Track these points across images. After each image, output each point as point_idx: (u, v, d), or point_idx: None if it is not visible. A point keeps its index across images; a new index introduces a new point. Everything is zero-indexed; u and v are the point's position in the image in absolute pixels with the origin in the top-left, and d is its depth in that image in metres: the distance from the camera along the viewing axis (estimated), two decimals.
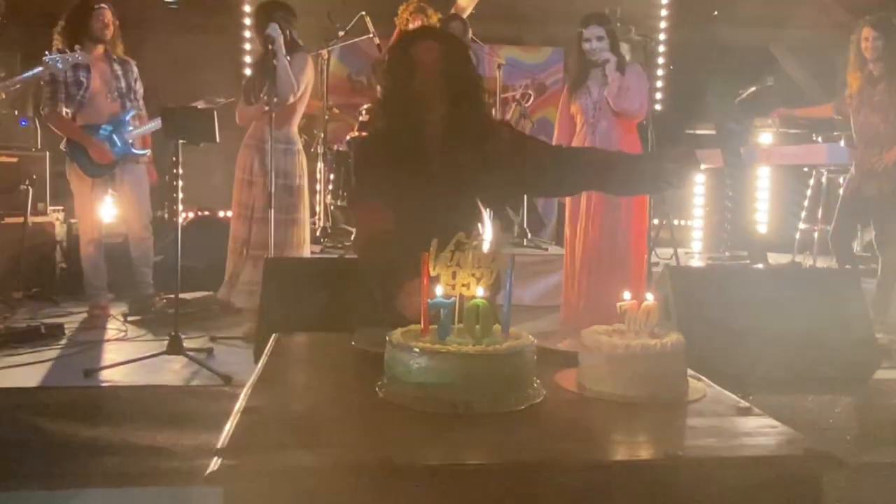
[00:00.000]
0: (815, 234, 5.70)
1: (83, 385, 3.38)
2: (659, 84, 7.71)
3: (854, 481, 1.80)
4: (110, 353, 3.95)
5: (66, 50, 4.40)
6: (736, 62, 7.42)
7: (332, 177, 5.77)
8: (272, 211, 4.10)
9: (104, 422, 2.80)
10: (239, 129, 4.45)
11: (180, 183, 4.04)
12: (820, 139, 6.08)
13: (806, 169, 6.08)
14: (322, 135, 5.84)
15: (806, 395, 3.16)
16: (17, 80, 4.45)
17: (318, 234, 5.60)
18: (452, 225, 1.76)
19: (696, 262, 6.71)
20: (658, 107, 7.37)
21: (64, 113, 4.61)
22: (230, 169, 4.47)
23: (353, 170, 2.45)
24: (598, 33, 4.16)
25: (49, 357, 3.82)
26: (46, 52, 4.27)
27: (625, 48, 4.79)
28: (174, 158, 3.83)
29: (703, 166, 7.43)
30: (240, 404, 1.32)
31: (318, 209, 5.81)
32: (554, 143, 4.48)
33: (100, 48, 4.63)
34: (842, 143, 5.76)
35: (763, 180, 7.26)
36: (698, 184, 7.55)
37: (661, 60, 7.81)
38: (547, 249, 5.65)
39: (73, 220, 5.70)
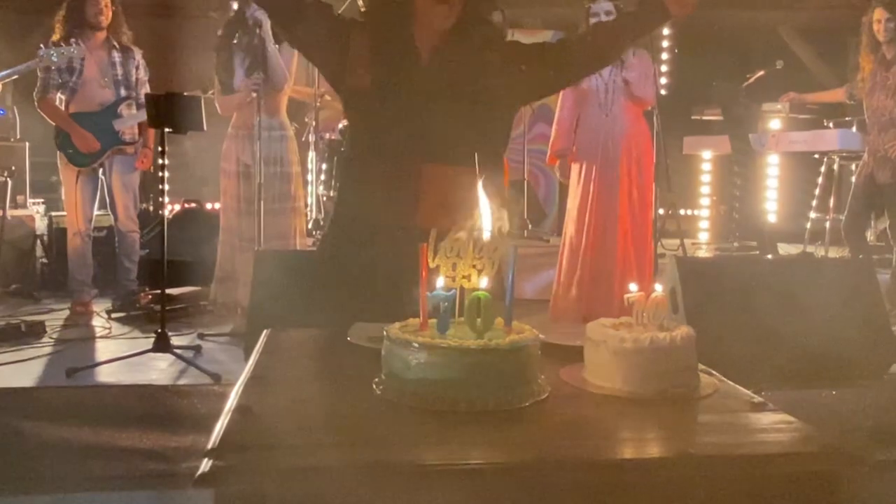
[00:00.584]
0: (827, 224, 5.71)
1: (66, 385, 3.38)
2: (664, 68, 7.70)
3: (871, 479, 1.80)
4: (94, 352, 3.95)
5: (62, 43, 4.43)
6: (743, 45, 7.41)
7: (324, 167, 5.76)
8: (261, 202, 4.09)
9: (88, 423, 2.79)
10: (226, 117, 4.44)
11: (166, 173, 4.02)
12: (831, 124, 6.09)
13: (817, 156, 6.09)
14: (313, 123, 5.83)
15: (819, 390, 3.16)
16: (10, 72, 4.45)
17: (309, 226, 5.59)
18: (442, 139, 1.75)
19: (704, 253, 6.72)
20: (663, 92, 7.36)
21: (58, 99, 4.62)
22: (219, 159, 4.46)
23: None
24: (607, 8, 4.15)
25: (30, 356, 3.82)
26: (41, 46, 4.29)
27: None
28: (159, 148, 3.82)
29: (709, 154, 7.43)
30: (230, 403, 1.31)
31: (309, 200, 5.80)
32: (554, 132, 4.47)
33: (100, 35, 4.65)
34: (854, 128, 5.77)
35: (772, 168, 7.26)
36: (705, 172, 7.55)
37: (665, 44, 7.79)
38: (548, 241, 5.65)
39: (54, 214, 5.70)
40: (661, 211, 5.07)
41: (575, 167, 4.40)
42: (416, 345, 1.31)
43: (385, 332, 1.38)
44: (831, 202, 5.78)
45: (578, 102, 4.35)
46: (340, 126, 5.69)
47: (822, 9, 7.38)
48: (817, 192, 6.05)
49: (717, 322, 3.22)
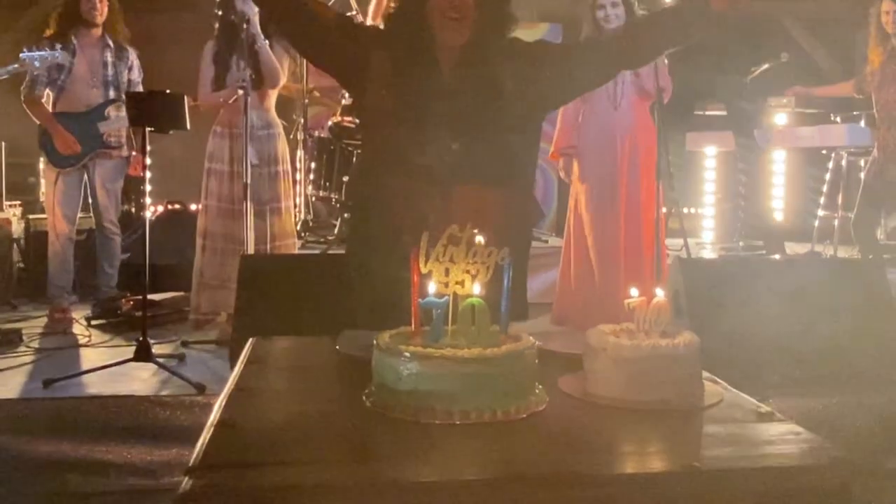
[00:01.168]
0: (836, 222, 5.72)
1: (43, 396, 3.35)
2: (665, 62, 7.69)
3: (883, 489, 1.79)
4: (73, 361, 3.92)
5: (55, 39, 4.47)
6: (748, 37, 7.41)
7: (313, 165, 5.74)
8: (248, 203, 4.08)
9: (66, 436, 2.77)
10: (212, 116, 4.42)
11: (148, 174, 4.01)
12: (839, 119, 6.09)
13: (825, 151, 6.09)
14: (302, 120, 5.81)
15: (829, 396, 3.16)
16: None
17: (298, 227, 5.58)
18: (469, 159, 1.74)
19: (709, 253, 6.71)
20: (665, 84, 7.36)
21: (46, 96, 4.62)
22: (203, 159, 4.45)
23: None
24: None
25: (6, 366, 3.80)
26: (24, 49, 4.28)
27: None
28: (141, 148, 3.80)
29: (712, 150, 7.44)
30: (213, 417, 1.30)
31: (298, 201, 5.79)
32: (558, 128, 4.46)
33: (95, 32, 4.65)
34: (862, 122, 5.77)
35: (778, 164, 7.26)
36: (709, 169, 7.55)
37: None
38: (547, 241, 5.64)
39: (31, 217, 5.68)
40: (663, 210, 5.07)
41: (578, 163, 4.39)
42: (407, 354, 1.31)
43: (375, 341, 1.37)
44: (840, 199, 5.78)
45: (584, 96, 4.34)
46: (330, 123, 5.67)
47: None
48: (825, 188, 6.05)
49: (723, 326, 3.22)
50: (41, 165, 5.72)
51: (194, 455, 1.15)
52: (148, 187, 4.15)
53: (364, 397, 1.37)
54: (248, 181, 4.08)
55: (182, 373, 3.58)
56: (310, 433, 1.27)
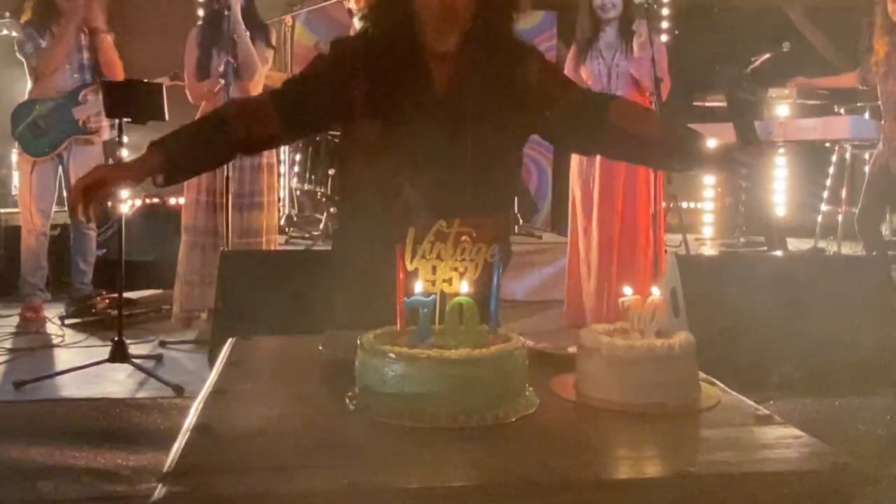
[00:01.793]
0: (839, 217, 5.74)
1: (14, 399, 3.34)
2: (664, 53, 7.71)
3: (886, 495, 1.80)
4: (45, 362, 3.90)
5: (31, 25, 4.53)
6: (748, 26, 7.43)
7: (297, 158, 5.73)
8: (230, 195, 4.07)
9: (37, 441, 2.75)
10: (192, 105, 4.41)
11: None
12: (843, 111, 6.11)
13: (828, 144, 6.11)
14: None
15: (831, 398, 3.17)
16: None
17: (282, 222, 5.56)
18: (464, 188, 1.69)
19: (708, 249, 6.73)
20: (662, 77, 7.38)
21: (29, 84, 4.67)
22: None
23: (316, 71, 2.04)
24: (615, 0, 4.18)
25: None
26: None
27: None
28: (117, 139, 3.79)
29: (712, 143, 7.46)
30: (189, 420, 1.30)
31: (282, 194, 5.77)
32: None
33: (74, 19, 4.63)
34: (867, 114, 5.79)
35: (780, 157, 7.28)
36: None
37: (665, 25, 7.80)
38: (541, 237, 5.64)
39: (2, 211, 5.64)
40: (661, 204, 5.07)
41: (576, 158, 4.40)
42: (392, 355, 1.30)
43: (359, 342, 1.37)
44: (843, 194, 5.81)
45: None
46: None
47: None
48: (828, 183, 6.07)
49: (721, 326, 3.22)
50: (14, 157, 5.69)
51: (169, 461, 1.14)
52: None
53: (348, 400, 1.36)
54: (230, 174, 4.07)
55: (159, 374, 3.57)
56: (291, 437, 1.26)
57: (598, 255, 4.30)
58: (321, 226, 5.63)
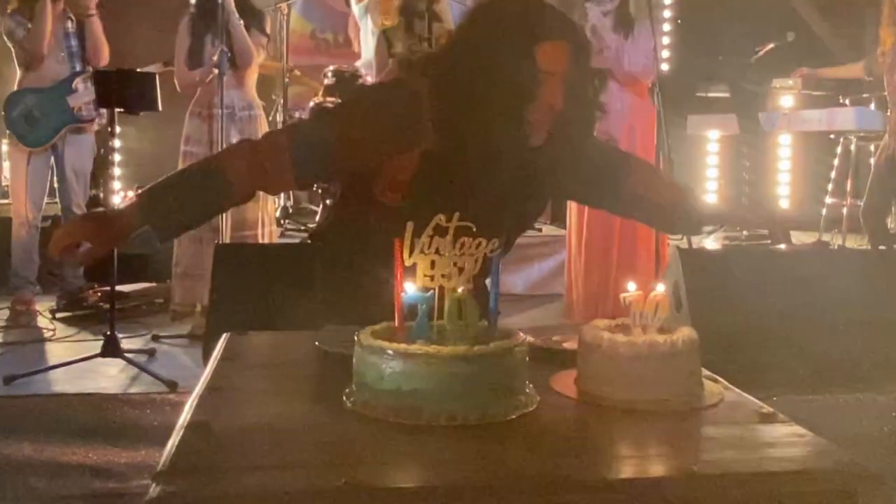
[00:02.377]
0: (844, 210, 5.74)
1: (4, 394, 3.34)
2: (665, 41, 7.69)
3: (891, 495, 1.80)
4: (36, 356, 3.91)
5: (19, 13, 4.54)
6: (752, 16, 7.42)
7: None
8: None
9: (28, 437, 2.76)
10: (188, 96, 4.41)
11: (117, 157, 3.98)
12: (848, 102, 6.11)
13: (833, 136, 6.11)
14: (282, 100, 5.78)
15: (835, 395, 3.18)
16: None
17: (278, 214, 5.56)
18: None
19: (710, 242, 6.73)
20: (665, 67, 7.36)
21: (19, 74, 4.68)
22: (175, 142, 4.43)
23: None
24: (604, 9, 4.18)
25: None
26: None
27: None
28: (109, 130, 3.78)
29: (715, 134, 7.44)
30: (183, 418, 1.30)
31: None
32: None
33: (58, 5, 4.64)
34: (873, 106, 5.79)
35: (784, 149, 7.28)
36: (711, 154, 7.57)
37: (667, 14, 7.78)
38: (541, 230, 5.63)
39: None
40: None
41: None
42: (390, 352, 1.30)
43: (356, 338, 1.37)
44: (848, 186, 5.81)
45: None
46: (311, 104, 5.65)
47: None
48: (833, 175, 6.07)
49: (724, 321, 3.22)
50: (4, 147, 5.68)
51: (162, 459, 1.14)
52: (117, 171, 4.12)
53: (344, 397, 1.36)
54: None
55: (152, 369, 3.58)
56: (287, 435, 1.26)
57: (595, 248, 4.30)
58: (317, 217, 5.62)
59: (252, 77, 4.37)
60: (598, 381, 1.42)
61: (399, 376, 1.29)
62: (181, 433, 1.23)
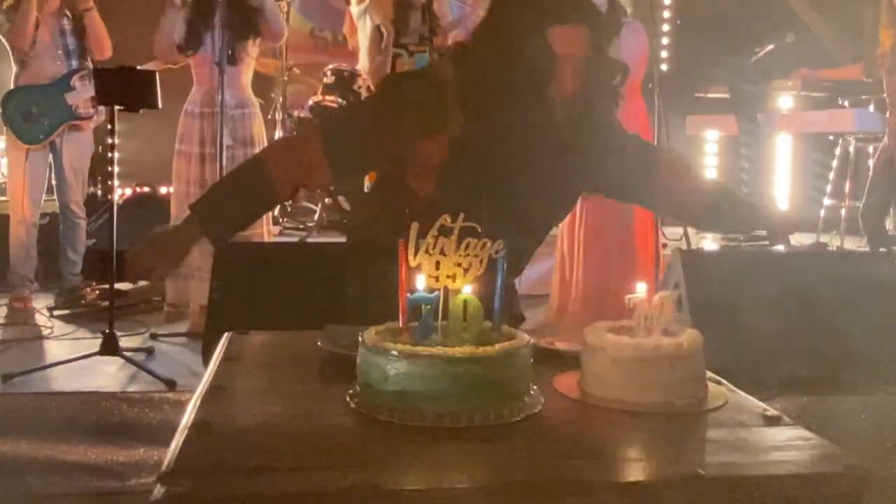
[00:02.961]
0: (843, 212, 5.74)
1: (1, 392, 3.32)
2: (665, 41, 7.69)
3: (892, 494, 1.81)
4: (34, 354, 3.89)
5: (13, 9, 4.52)
6: (751, 16, 7.42)
7: None
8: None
9: (26, 435, 2.75)
10: (185, 91, 4.39)
11: (116, 155, 3.97)
12: (847, 103, 6.11)
13: (832, 137, 6.11)
14: (280, 99, 5.78)
15: (838, 396, 3.17)
16: None
17: (276, 213, 5.55)
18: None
19: (710, 243, 6.73)
20: (664, 67, 7.37)
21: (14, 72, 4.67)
22: (175, 139, 4.42)
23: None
24: None
25: None
26: None
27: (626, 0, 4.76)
28: (109, 127, 3.77)
29: (714, 135, 7.44)
30: (187, 418, 1.29)
31: None
32: None
33: (53, 2, 4.62)
34: (872, 107, 5.79)
35: (783, 150, 7.28)
36: (710, 154, 7.57)
37: (666, 14, 7.79)
38: None
39: None
40: None
41: None
42: (394, 352, 1.29)
43: (360, 338, 1.36)
44: (847, 188, 5.81)
45: None
46: (310, 102, 5.64)
47: None
48: (832, 176, 6.07)
49: (723, 322, 3.22)
50: (1, 144, 5.66)
51: (167, 459, 1.13)
52: (116, 169, 4.11)
53: (348, 398, 1.36)
54: (225, 163, 4.06)
55: (151, 368, 3.56)
56: (290, 437, 1.26)
57: (591, 249, 4.28)
58: (316, 216, 5.61)
59: (245, 75, 4.35)
60: (602, 383, 1.42)
61: (403, 377, 1.28)
62: (185, 433, 1.22)
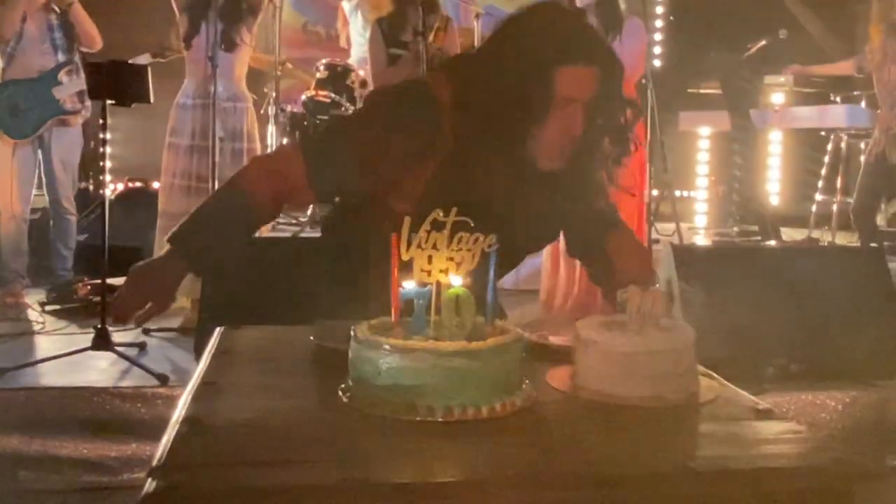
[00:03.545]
0: (834, 207, 5.76)
1: None
2: (658, 37, 7.70)
3: (886, 489, 1.81)
4: (25, 349, 3.89)
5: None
6: (744, 12, 7.43)
7: (284, 141, 5.70)
8: (214, 182, 4.05)
9: (17, 430, 2.74)
10: (176, 86, 4.39)
11: (108, 150, 3.96)
12: (839, 99, 6.14)
13: (823, 133, 6.13)
14: (273, 94, 5.76)
15: (827, 390, 3.19)
16: None
17: None
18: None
19: (701, 238, 6.76)
20: (657, 63, 7.38)
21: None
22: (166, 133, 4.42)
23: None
24: None
25: None
26: None
27: None
28: (100, 121, 3.76)
29: (706, 131, 7.45)
30: (178, 413, 1.29)
31: None
32: None
33: None
34: (863, 103, 5.82)
35: (775, 146, 7.32)
36: (702, 150, 7.59)
37: (659, 10, 7.80)
38: None
39: None
40: (654, 192, 5.09)
41: None
42: (387, 346, 1.29)
43: (352, 332, 1.36)
44: (839, 183, 5.84)
45: None
46: (304, 97, 5.63)
47: None
48: (823, 172, 6.09)
49: (715, 316, 3.23)
50: None
51: (158, 454, 1.13)
52: (107, 163, 4.10)
53: (340, 392, 1.35)
54: (217, 158, 4.06)
55: (143, 363, 3.56)
56: (282, 431, 1.25)
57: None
58: (308, 211, 5.61)
59: (239, 67, 4.35)
60: (594, 377, 1.42)
61: (396, 371, 1.28)
62: (176, 428, 1.22)
